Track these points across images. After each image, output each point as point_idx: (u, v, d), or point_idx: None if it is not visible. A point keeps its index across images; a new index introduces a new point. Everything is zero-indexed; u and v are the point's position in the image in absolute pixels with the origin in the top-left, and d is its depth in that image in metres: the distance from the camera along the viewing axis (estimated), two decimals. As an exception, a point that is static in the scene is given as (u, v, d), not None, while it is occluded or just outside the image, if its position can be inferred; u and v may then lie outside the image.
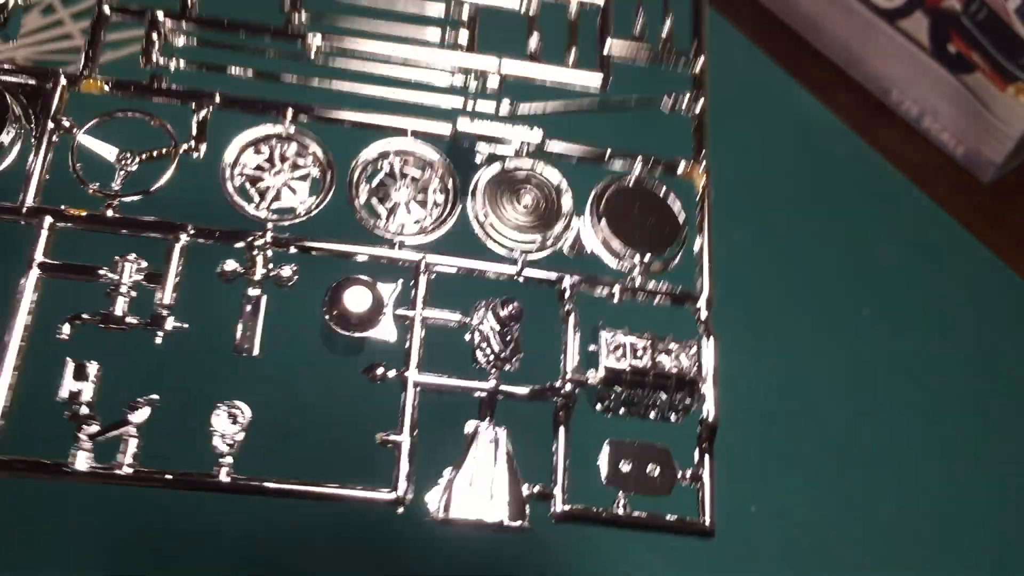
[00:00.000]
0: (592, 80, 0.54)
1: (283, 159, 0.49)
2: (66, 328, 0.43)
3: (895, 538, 0.65)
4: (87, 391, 0.42)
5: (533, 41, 0.54)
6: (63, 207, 0.46)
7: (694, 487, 0.46)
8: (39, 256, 0.45)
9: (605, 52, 0.54)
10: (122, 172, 0.47)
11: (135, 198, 0.47)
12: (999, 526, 0.66)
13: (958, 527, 0.65)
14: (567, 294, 0.49)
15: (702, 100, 0.54)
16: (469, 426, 0.46)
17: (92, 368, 0.43)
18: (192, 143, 0.48)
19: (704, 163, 0.53)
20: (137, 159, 0.48)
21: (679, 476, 0.47)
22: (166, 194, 0.47)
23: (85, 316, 0.44)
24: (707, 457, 0.47)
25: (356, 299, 0.46)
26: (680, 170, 0.52)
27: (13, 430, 0.42)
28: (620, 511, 0.45)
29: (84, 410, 0.42)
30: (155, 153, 0.48)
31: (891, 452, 0.67)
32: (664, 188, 0.52)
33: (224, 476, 0.43)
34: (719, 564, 0.61)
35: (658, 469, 0.47)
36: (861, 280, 0.73)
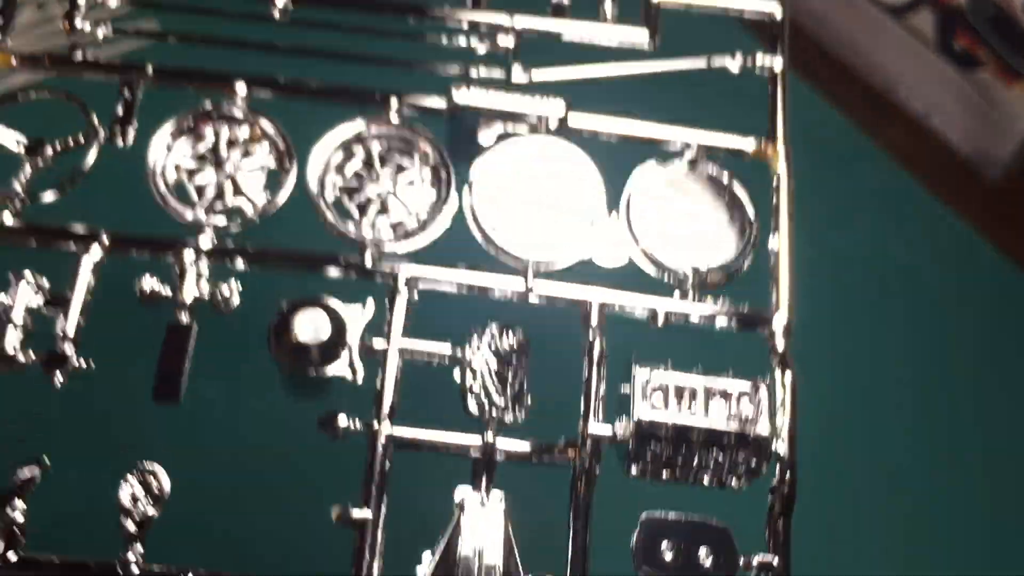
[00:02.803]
0: (635, 36, 0.45)
1: (230, 146, 0.42)
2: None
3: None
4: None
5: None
6: (-48, 216, 0.40)
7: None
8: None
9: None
10: (29, 167, 0.41)
11: (45, 199, 0.40)
12: (996, 518, 0.63)
13: (956, 518, 0.62)
14: (593, 318, 0.40)
15: (780, 58, 0.45)
16: (457, 494, 0.38)
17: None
18: (117, 128, 0.42)
19: (781, 140, 0.44)
20: (48, 150, 0.41)
21: (741, 564, 0.38)
22: (82, 195, 0.41)
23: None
24: (781, 535, 0.38)
25: (310, 326, 0.38)
26: (751, 148, 0.44)
27: None
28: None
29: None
30: (71, 142, 0.41)
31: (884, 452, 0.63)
32: (725, 173, 0.43)
33: (134, 567, 0.35)
34: None
35: (712, 555, 0.38)
36: (863, 279, 0.71)
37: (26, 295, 0.38)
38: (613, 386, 0.39)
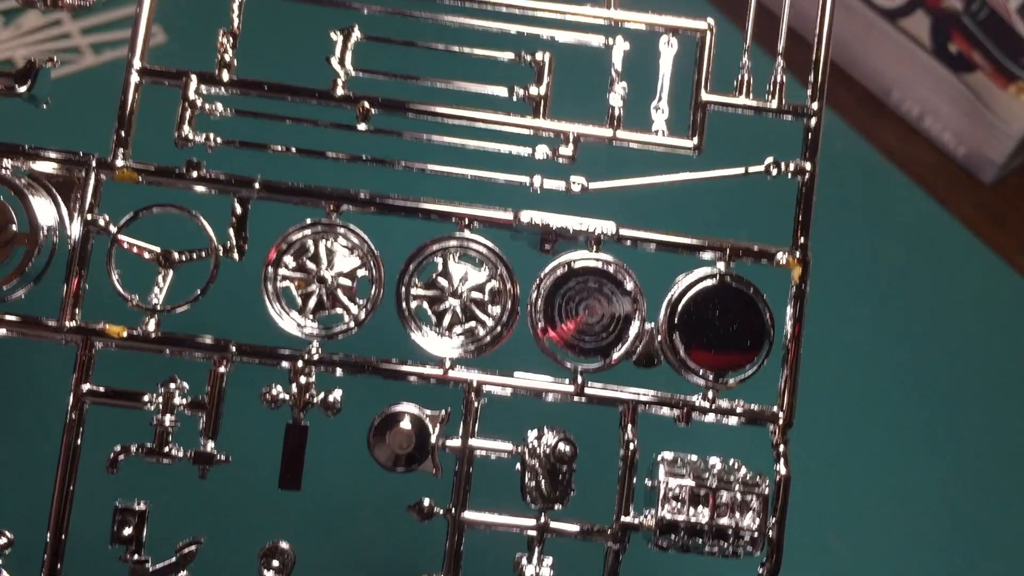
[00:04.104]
0: (683, 144, 0.52)
1: (329, 258, 0.50)
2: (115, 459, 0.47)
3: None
4: (137, 533, 0.47)
5: (615, 97, 0.51)
6: (103, 326, 0.49)
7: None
8: (84, 385, 0.48)
9: (702, 99, 0.50)
10: (160, 279, 0.50)
11: (179, 311, 0.49)
12: (984, 509, 0.69)
13: (955, 517, 0.69)
14: (628, 418, 0.50)
15: (809, 170, 0.51)
16: (516, 563, 0.49)
17: (140, 507, 0.48)
18: (231, 243, 0.50)
19: (802, 251, 0.51)
20: (177, 261, 0.50)
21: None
22: (205, 303, 0.50)
23: (132, 449, 0.48)
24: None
25: (399, 439, 0.48)
26: (779, 260, 0.51)
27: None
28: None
29: (135, 556, 0.47)
30: (194, 256, 0.50)
31: (884, 451, 0.70)
32: (752, 288, 0.51)
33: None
34: None
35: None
36: (861, 280, 0.76)
37: (173, 401, 0.48)
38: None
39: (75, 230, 0.49)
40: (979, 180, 0.86)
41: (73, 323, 0.48)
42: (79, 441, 0.49)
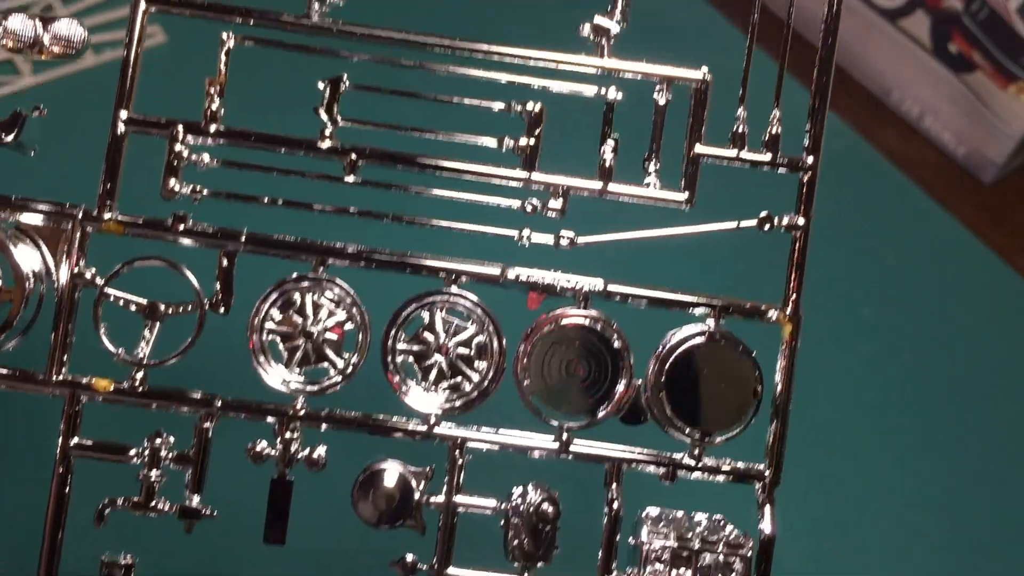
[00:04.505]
0: (675, 197, 0.51)
1: (315, 311, 0.50)
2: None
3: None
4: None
5: (607, 149, 0.51)
6: (90, 380, 0.50)
7: None
8: (72, 439, 0.49)
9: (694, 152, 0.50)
10: (147, 332, 0.50)
11: (168, 364, 0.49)
12: (985, 511, 0.69)
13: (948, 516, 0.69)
14: (613, 477, 0.50)
15: (803, 225, 0.51)
16: (499, 620, 0.50)
17: (126, 561, 0.49)
18: (218, 296, 0.50)
19: (793, 307, 0.51)
20: (163, 313, 0.50)
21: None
22: (193, 355, 0.50)
23: (119, 503, 0.49)
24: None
25: (382, 496, 0.49)
26: (769, 316, 0.50)
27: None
28: None
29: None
30: (180, 309, 0.50)
31: (885, 450, 0.70)
32: (741, 347, 0.50)
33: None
34: None
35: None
36: (860, 280, 0.75)
37: (158, 455, 0.49)
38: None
39: (62, 279, 0.50)
40: (979, 180, 0.86)
41: (60, 376, 0.50)
42: (67, 490, 0.50)
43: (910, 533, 0.68)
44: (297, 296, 0.50)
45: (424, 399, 0.50)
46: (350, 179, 0.50)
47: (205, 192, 0.50)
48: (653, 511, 0.50)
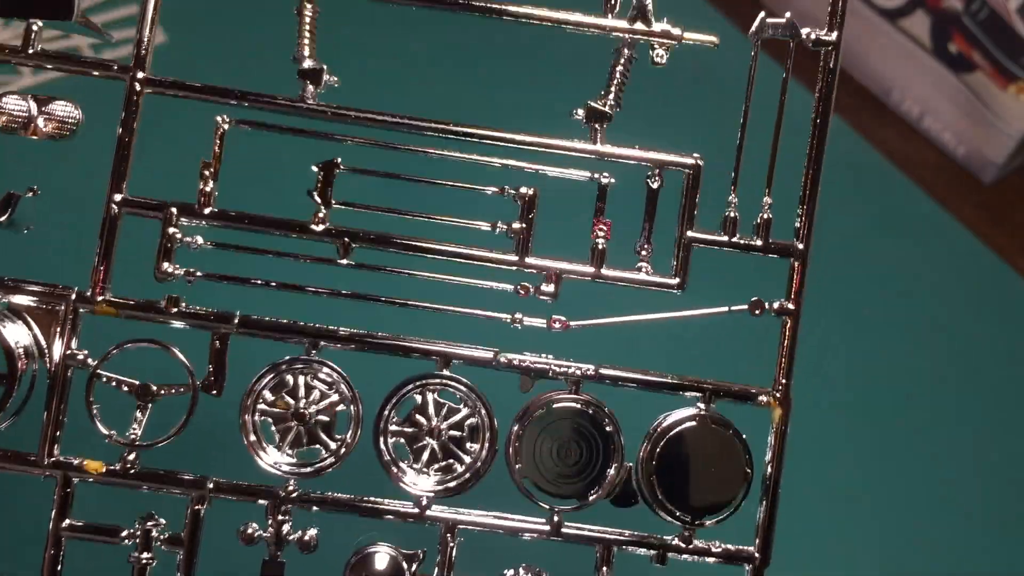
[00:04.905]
0: (666, 282, 0.52)
1: (307, 393, 0.51)
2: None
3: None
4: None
5: (599, 235, 0.51)
6: (81, 461, 0.50)
7: None
8: (64, 520, 0.49)
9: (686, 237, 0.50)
10: (139, 413, 0.50)
11: (159, 445, 0.50)
12: (986, 513, 0.70)
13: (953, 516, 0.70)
14: (603, 560, 0.51)
15: (793, 310, 0.51)
16: None
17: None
18: (210, 378, 0.51)
19: (783, 391, 0.52)
20: (155, 394, 0.51)
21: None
22: (183, 437, 0.51)
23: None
24: None
25: (375, 580, 0.49)
26: (761, 399, 0.51)
27: None
28: None
29: None
30: (172, 391, 0.51)
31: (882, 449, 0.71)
32: (732, 430, 0.51)
33: None
34: None
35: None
36: (860, 280, 0.76)
37: (150, 538, 0.49)
38: None
39: (55, 360, 0.50)
40: (979, 180, 0.87)
41: (52, 458, 0.50)
42: (59, 569, 0.50)
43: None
44: (289, 378, 0.51)
45: (416, 481, 0.50)
46: (344, 262, 0.51)
47: (199, 274, 0.51)
48: (642, 594, 0.51)
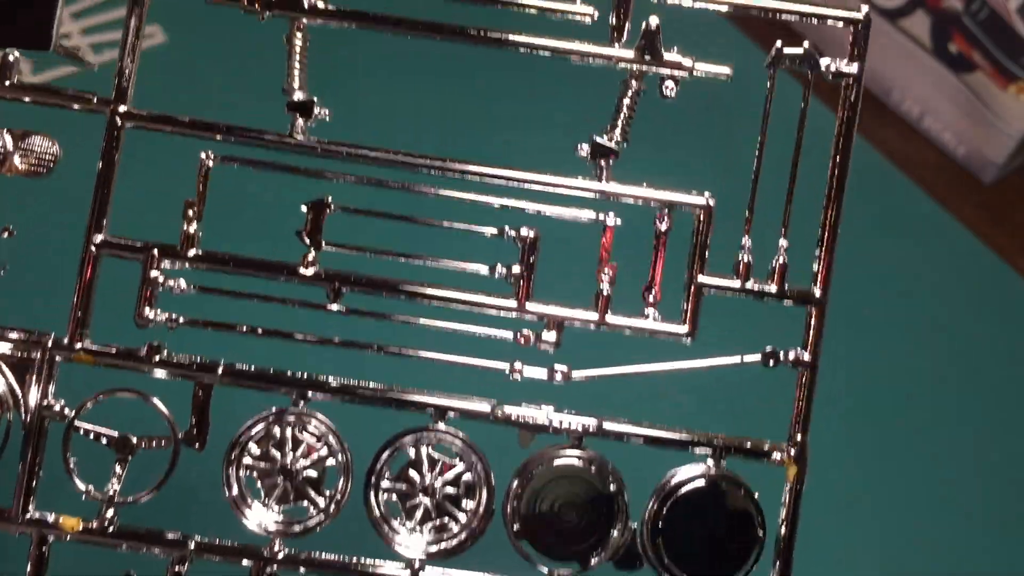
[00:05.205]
0: (676, 329, 0.49)
1: (295, 446, 0.48)
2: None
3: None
4: None
5: (604, 280, 0.49)
6: (57, 518, 0.47)
7: None
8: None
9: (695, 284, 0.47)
10: (118, 467, 0.48)
11: (142, 501, 0.47)
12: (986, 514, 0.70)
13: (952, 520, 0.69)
14: (608, 626, 0.48)
15: (809, 361, 0.48)
16: None
17: None
18: (192, 430, 0.48)
19: (798, 448, 0.49)
20: (135, 447, 0.48)
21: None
22: (164, 491, 0.48)
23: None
24: None
25: (364, 648, 0.47)
26: (775, 457, 0.49)
27: None
28: None
29: None
30: (153, 443, 0.48)
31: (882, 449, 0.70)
32: (743, 490, 0.48)
33: None
34: None
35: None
36: (860, 281, 0.74)
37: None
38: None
39: (31, 404, 0.48)
40: (979, 180, 0.87)
41: (28, 515, 0.48)
42: (35, 629, 0.48)
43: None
44: (276, 431, 0.48)
45: (408, 541, 0.48)
46: (334, 307, 0.49)
47: (181, 320, 0.49)
48: (648, 660, 0.49)
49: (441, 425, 0.48)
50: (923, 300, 0.78)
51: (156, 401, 0.47)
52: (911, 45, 0.86)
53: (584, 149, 0.49)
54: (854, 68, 0.48)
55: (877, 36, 0.88)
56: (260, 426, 0.48)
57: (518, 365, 0.49)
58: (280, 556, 0.47)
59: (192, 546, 0.47)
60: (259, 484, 0.48)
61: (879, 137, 0.86)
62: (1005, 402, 0.75)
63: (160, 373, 0.48)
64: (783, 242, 0.49)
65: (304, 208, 0.48)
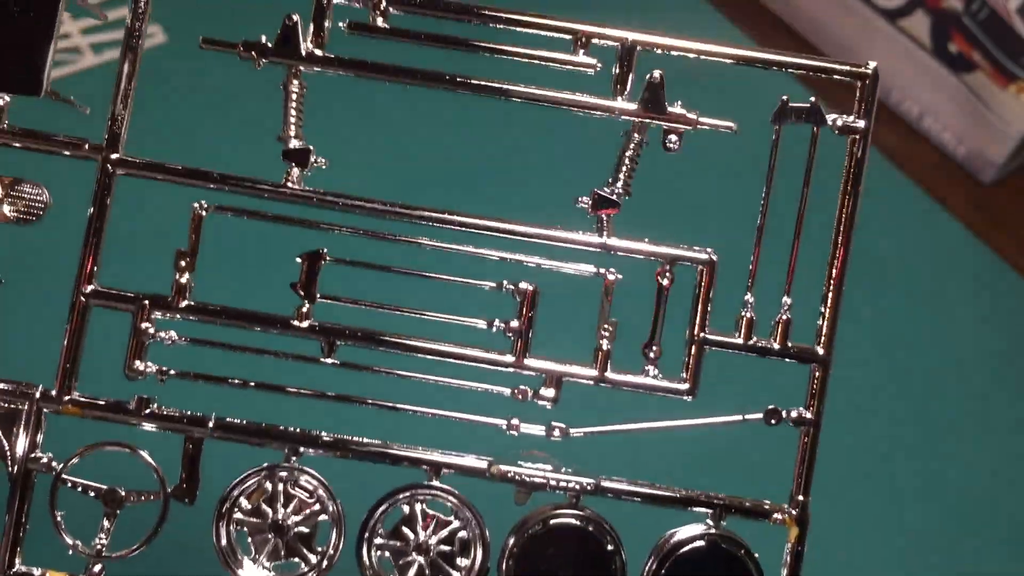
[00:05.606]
0: (677, 386, 0.49)
1: (287, 501, 0.48)
2: None
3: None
4: None
5: (604, 336, 0.48)
6: (44, 573, 0.46)
7: None
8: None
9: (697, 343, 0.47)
10: (106, 521, 0.48)
11: (132, 555, 0.47)
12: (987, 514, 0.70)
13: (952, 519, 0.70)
14: None
15: (812, 419, 0.48)
16: None
17: None
18: (182, 484, 0.48)
19: (800, 508, 0.48)
20: (123, 500, 0.48)
21: None
22: (154, 548, 0.48)
23: None
24: None
25: None
26: (776, 517, 0.48)
27: None
28: None
29: None
30: (142, 497, 0.48)
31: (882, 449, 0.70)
32: (743, 552, 0.48)
33: None
34: None
35: None
36: (860, 282, 0.71)
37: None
38: None
39: (18, 456, 0.47)
40: (979, 180, 0.87)
41: (14, 569, 0.47)
42: None
43: None
44: (268, 486, 0.48)
45: (405, 604, 0.47)
46: (328, 361, 0.48)
47: (172, 372, 0.48)
48: None
49: (436, 482, 0.47)
50: (923, 300, 0.79)
51: (145, 454, 0.47)
52: (911, 45, 0.87)
53: (585, 201, 0.49)
54: (861, 124, 0.48)
55: (877, 36, 0.90)
56: (251, 481, 0.47)
57: (515, 421, 0.48)
58: (270, 615, 0.47)
59: (181, 604, 0.47)
60: (250, 540, 0.47)
61: (879, 137, 0.85)
62: (1005, 402, 0.75)
63: (149, 426, 0.47)
64: (786, 299, 0.48)
65: (299, 260, 0.48)
